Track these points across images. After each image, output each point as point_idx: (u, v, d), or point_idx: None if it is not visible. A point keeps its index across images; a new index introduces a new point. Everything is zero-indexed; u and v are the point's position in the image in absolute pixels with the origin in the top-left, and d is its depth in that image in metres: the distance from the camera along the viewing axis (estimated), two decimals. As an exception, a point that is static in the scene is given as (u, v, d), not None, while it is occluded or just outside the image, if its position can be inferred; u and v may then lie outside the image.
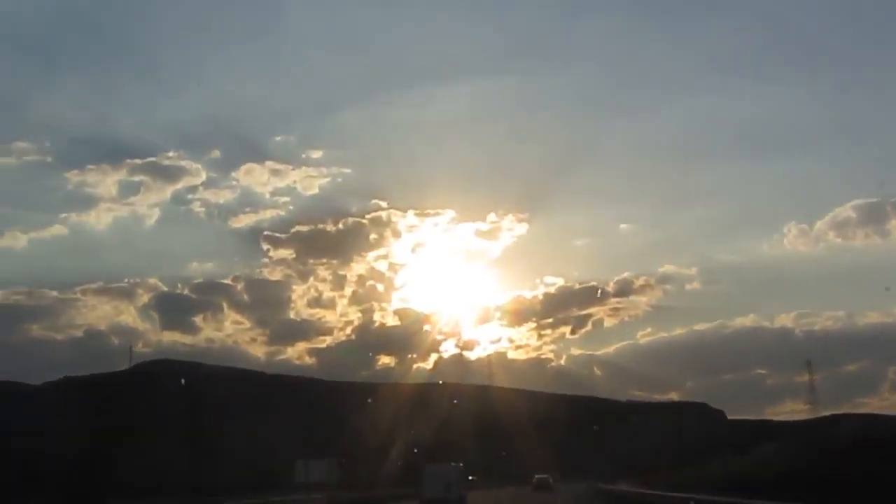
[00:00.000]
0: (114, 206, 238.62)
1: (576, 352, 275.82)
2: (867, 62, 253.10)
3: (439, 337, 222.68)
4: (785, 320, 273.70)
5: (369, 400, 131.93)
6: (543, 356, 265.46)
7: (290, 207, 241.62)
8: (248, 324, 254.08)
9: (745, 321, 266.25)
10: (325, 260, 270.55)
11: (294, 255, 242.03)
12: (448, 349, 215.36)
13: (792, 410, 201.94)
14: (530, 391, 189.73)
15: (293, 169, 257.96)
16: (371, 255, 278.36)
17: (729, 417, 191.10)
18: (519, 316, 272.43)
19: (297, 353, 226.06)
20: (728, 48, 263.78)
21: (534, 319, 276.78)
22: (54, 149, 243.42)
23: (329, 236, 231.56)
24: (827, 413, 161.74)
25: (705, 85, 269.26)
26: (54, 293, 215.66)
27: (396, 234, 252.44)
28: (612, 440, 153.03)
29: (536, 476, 80.00)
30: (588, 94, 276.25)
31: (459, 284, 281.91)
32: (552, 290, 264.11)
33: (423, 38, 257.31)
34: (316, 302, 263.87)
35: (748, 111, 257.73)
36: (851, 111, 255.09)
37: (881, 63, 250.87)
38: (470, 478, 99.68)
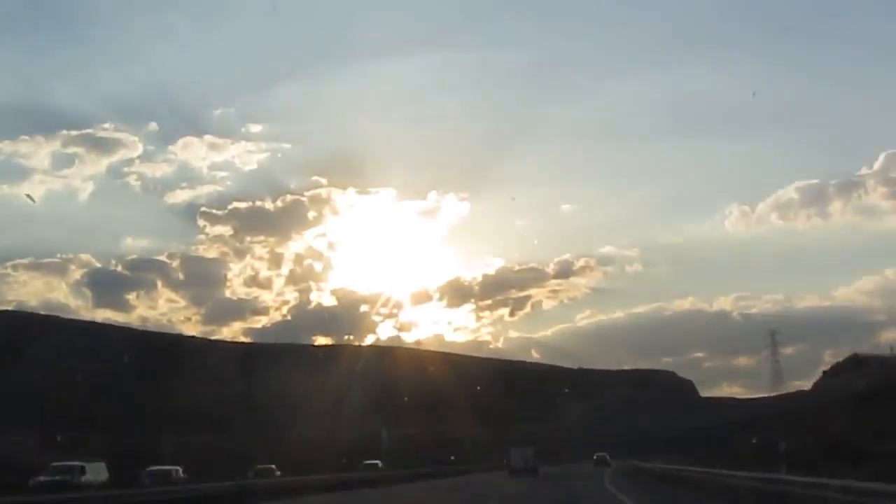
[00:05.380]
0: (47, 179, 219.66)
1: (514, 334, 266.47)
2: (811, 46, 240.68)
3: (377, 318, 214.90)
4: (724, 303, 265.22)
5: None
6: (481, 338, 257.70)
7: (228, 183, 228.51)
8: (182, 302, 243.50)
9: (684, 304, 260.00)
10: (262, 237, 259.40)
11: (231, 232, 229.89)
12: (386, 330, 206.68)
13: (728, 393, 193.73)
14: (475, 357, 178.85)
15: (232, 143, 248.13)
16: (310, 233, 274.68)
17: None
18: (458, 297, 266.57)
19: (231, 333, 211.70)
20: (671, 29, 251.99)
21: (473, 301, 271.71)
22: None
23: (267, 213, 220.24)
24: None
25: (648, 66, 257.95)
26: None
27: (336, 212, 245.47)
28: (570, 410, 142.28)
29: (596, 454, 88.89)
30: (530, 74, 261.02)
31: (399, 264, 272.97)
32: (492, 271, 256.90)
33: (364, 13, 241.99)
34: (252, 281, 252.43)
35: (691, 92, 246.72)
36: (795, 94, 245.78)
37: (825, 47, 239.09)
38: None
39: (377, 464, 67.49)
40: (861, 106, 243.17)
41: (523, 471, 61.82)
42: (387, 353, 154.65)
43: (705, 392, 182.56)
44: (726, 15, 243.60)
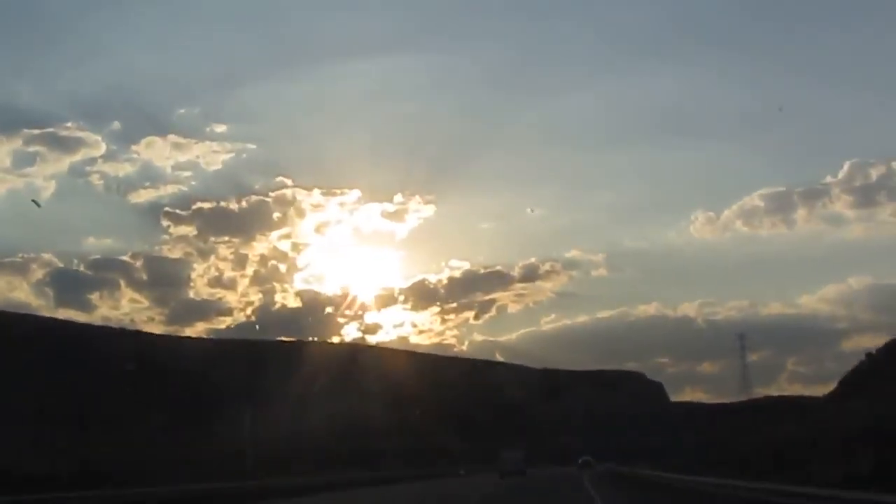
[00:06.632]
0: (7, 178, 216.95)
1: (478, 337, 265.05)
2: (779, 52, 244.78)
3: (341, 320, 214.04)
4: (688, 309, 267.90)
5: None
6: (446, 341, 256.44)
7: (193, 183, 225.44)
8: (145, 303, 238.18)
9: (649, 309, 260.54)
10: (226, 238, 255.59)
11: (195, 233, 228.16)
12: (350, 332, 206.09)
13: (692, 398, 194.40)
14: (441, 356, 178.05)
15: (196, 143, 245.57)
16: (274, 234, 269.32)
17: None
18: (423, 300, 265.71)
19: (195, 334, 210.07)
20: (640, 32, 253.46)
21: (438, 303, 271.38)
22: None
23: (231, 214, 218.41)
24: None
25: (616, 69, 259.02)
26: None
27: (301, 213, 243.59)
28: (538, 411, 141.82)
29: (582, 458, 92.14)
30: (498, 76, 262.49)
31: (364, 266, 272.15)
32: (457, 274, 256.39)
33: (331, 14, 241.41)
34: (216, 281, 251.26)
35: (659, 97, 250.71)
36: (762, 101, 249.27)
37: (793, 54, 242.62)
38: None
39: None
40: (827, 114, 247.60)
41: (513, 472, 64.69)
42: (351, 353, 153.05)
43: (671, 396, 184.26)
44: (692, 22, 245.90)
